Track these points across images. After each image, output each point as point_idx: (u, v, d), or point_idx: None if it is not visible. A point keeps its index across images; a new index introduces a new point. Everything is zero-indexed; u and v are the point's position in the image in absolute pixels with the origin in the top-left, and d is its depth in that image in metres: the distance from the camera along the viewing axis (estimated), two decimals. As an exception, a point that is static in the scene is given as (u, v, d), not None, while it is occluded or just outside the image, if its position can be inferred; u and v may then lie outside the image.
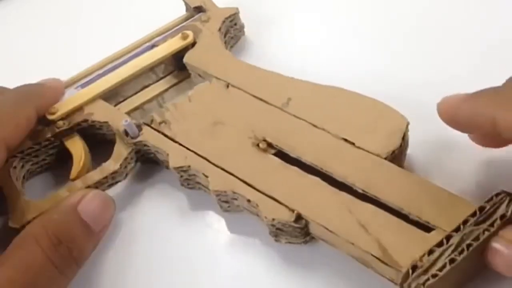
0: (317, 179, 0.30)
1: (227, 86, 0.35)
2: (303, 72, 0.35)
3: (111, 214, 0.32)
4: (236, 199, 0.31)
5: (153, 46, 0.38)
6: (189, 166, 0.32)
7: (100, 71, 0.37)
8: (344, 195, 0.29)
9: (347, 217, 0.28)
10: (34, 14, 0.47)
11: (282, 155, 0.31)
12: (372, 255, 0.27)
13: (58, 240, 0.29)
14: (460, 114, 0.28)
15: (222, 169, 0.31)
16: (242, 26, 0.40)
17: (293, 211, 0.29)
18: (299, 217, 0.29)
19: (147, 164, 0.35)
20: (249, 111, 0.33)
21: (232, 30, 0.40)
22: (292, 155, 0.31)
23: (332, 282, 0.30)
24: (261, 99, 0.34)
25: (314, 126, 0.32)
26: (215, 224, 0.33)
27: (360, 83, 0.34)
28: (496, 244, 0.25)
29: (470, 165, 0.32)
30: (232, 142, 0.32)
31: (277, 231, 0.30)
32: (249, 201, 0.30)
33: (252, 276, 0.31)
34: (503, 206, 0.26)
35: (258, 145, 0.32)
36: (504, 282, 0.28)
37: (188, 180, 0.33)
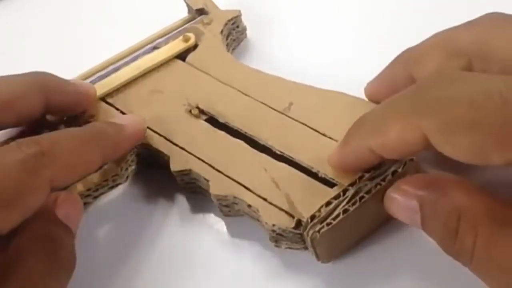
0: (241, 141, 0.32)
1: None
2: (305, 74, 0.35)
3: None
4: (236, 203, 0.31)
5: (154, 48, 0.38)
6: (190, 170, 0.32)
7: (101, 73, 0.37)
8: (262, 156, 0.32)
9: (262, 174, 0.31)
10: (35, 15, 0.47)
11: (212, 121, 0.34)
12: (280, 208, 0.29)
13: None
14: (345, 158, 0.29)
15: (158, 134, 0.34)
16: (244, 29, 0.40)
17: (293, 217, 0.29)
18: (299, 223, 0.29)
19: (148, 166, 0.35)
20: (185, 81, 0.36)
21: (234, 32, 0.40)
22: (221, 120, 0.34)
23: (333, 286, 0.30)
24: (262, 103, 0.34)
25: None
26: (216, 227, 0.33)
27: (361, 84, 0.34)
28: (392, 194, 0.27)
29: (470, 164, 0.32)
30: (168, 108, 0.35)
31: (277, 237, 0.30)
32: (249, 206, 0.30)
33: (252, 280, 0.31)
34: (397, 164, 0.29)
35: (190, 111, 0.34)
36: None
37: (189, 184, 0.33)
